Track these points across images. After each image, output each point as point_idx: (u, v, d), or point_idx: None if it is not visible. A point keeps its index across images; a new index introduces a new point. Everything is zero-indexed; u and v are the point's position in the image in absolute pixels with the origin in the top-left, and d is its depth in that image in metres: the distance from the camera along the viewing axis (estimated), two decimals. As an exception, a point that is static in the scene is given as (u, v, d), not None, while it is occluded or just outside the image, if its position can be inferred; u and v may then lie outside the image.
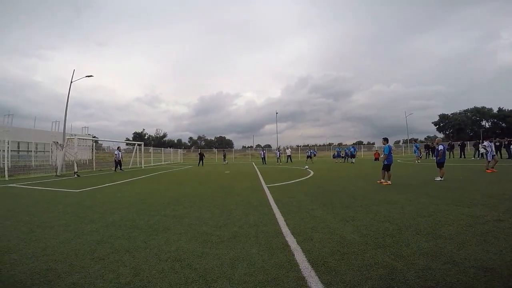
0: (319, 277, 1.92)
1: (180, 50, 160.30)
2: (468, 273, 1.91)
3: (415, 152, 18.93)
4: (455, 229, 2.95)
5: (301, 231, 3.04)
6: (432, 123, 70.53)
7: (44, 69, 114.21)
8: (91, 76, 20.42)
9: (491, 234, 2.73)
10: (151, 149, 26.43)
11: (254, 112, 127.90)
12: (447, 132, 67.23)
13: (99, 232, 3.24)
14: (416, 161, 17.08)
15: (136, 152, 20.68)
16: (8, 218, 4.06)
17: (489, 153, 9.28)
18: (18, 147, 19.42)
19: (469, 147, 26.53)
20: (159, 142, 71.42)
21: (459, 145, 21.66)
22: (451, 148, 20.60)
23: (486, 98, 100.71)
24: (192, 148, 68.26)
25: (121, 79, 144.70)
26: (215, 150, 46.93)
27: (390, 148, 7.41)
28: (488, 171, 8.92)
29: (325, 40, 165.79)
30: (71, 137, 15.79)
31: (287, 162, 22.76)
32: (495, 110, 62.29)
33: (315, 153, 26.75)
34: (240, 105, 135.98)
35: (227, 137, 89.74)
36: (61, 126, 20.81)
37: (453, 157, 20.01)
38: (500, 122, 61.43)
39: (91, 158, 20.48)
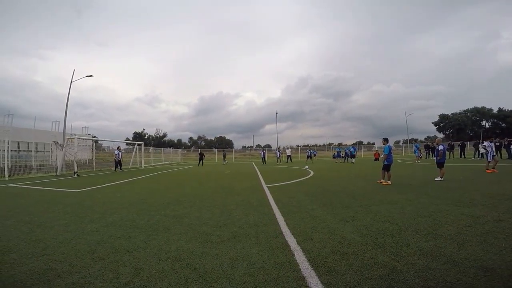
0: (319, 277, 1.92)
1: (180, 50, 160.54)
2: (468, 273, 1.91)
3: (415, 152, 18.93)
4: (455, 229, 2.95)
5: (301, 231, 3.04)
6: (432, 123, 70.69)
7: (44, 69, 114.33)
8: (91, 76, 20.40)
9: (491, 234, 2.73)
10: (151, 149, 26.42)
11: (254, 112, 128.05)
12: (447, 132, 67.24)
13: (99, 232, 3.24)
14: (416, 161, 17.08)
15: (136, 152, 20.68)
16: (8, 218, 4.06)
17: (489, 153, 9.28)
18: (18, 147, 19.44)
19: (469, 147, 26.54)
20: (159, 142, 71.41)
21: (459, 145, 21.67)
22: (451, 148, 20.60)
23: (486, 98, 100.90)
24: (192, 148, 68.29)
25: (121, 79, 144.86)
26: (215, 150, 46.94)
27: (390, 148, 7.41)
28: (488, 171, 8.92)
29: (325, 40, 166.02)
30: (71, 137, 15.77)
31: (287, 162, 22.76)
32: (495, 110, 62.35)
33: (315, 153, 26.76)
34: (240, 105, 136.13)
35: (227, 137, 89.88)
36: (61, 126, 20.84)
37: (453, 157, 20.01)
38: (500, 122, 61.42)
39: (91, 158, 20.48)
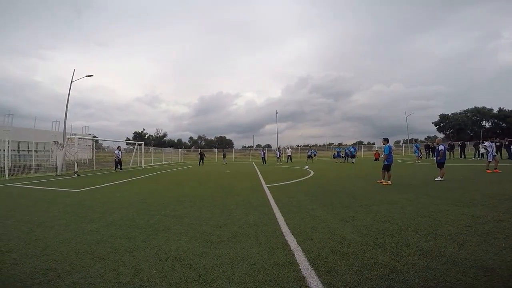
0: (319, 277, 1.92)
1: (180, 50, 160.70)
2: (468, 273, 1.91)
3: (415, 152, 18.92)
4: (455, 229, 2.94)
5: (301, 231, 3.04)
6: (432, 123, 70.61)
7: (44, 69, 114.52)
8: (91, 76, 20.46)
9: (491, 234, 2.73)
10: (151, 148, 26.44)
11: (254, 112, 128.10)
12: (447, 132, 67.18)
13: (99, 231, 3.24)
14: (416, 161, 17.08)
15: (136, 152, 20.69)
16: (8, 218, 4.06)
17: (489, 153, 9.27)
18: (18, 147, 19.43)
19: (469, 147, 26.52)
20: (159, 142, 71.46)
21: (459, 145, 21.66)
22: (451, 148, 20.59)
23: (486, 98, 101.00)
24: (192, 148, 68.33)
25: (121, 79, 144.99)
26: (215, 150, 46.97)
27: (390, 148, 7.40)
28: (488, 171, 8.91)
29: (325, 40, 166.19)
30: (71, 136, 15.78)
31: (287, 162, 22.78)
32: (496, 110, 62.26)
33: (315, 153, 26.77)
34: (240, 105, 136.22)
35: (227, 137, 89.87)
36: (61, 126, 20.86)
37: (453, 157, 20.00)
38: (501, 122, 61.33)
39: (91, 157, 20.48)
